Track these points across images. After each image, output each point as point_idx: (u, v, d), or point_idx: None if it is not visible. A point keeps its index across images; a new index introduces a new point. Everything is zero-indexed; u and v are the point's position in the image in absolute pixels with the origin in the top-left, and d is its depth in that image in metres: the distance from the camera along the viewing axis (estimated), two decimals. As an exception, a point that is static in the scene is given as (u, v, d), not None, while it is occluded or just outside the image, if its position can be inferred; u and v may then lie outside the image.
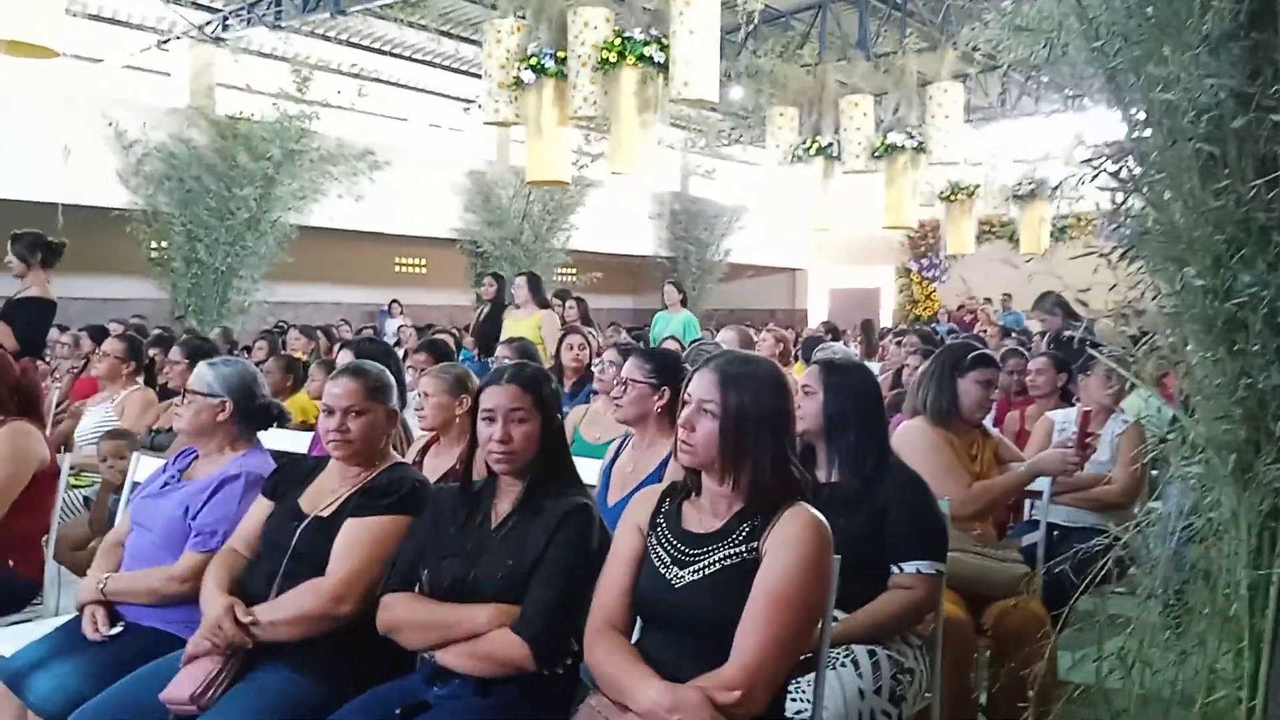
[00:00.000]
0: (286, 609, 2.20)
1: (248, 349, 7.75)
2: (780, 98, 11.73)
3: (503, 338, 6.35)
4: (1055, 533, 3.55)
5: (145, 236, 11.81)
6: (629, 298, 21.81)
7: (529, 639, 1.98)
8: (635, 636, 1.98)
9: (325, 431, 2.38)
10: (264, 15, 11.91)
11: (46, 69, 11.09)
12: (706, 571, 1.85)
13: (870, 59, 12.10)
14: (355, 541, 2.24)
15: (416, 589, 2.15)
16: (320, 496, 2.39)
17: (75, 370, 6.10)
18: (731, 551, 1.85)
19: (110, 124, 11.19)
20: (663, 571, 1.89)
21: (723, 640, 1.76)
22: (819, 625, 1.97)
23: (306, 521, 2.33)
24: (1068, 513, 3.74)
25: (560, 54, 7.77)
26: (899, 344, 7.90)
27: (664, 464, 2.82)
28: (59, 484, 3.19)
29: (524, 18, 8.13)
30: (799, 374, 5.96)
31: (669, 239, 19.09)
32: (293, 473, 2.51)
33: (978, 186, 14.01)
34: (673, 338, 7.32)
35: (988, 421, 3.61)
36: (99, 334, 6.14)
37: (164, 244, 11.93)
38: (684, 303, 8.97)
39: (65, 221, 9.31)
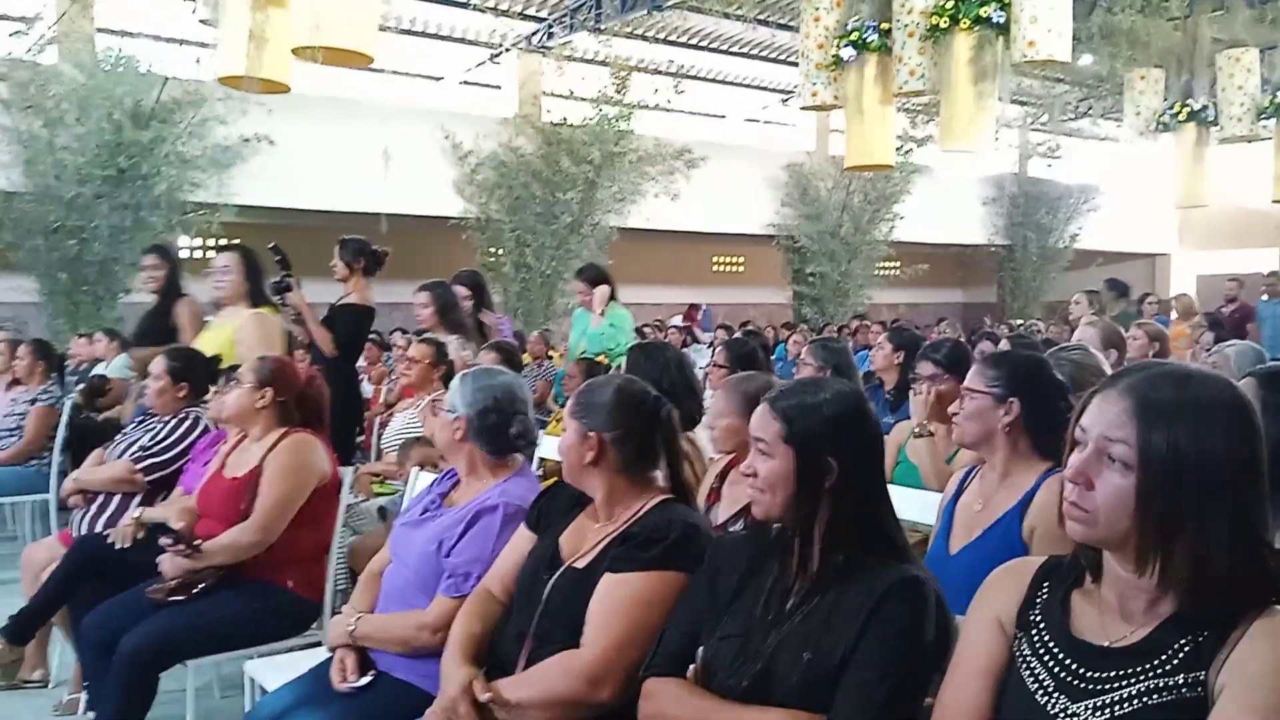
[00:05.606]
0: (534, 688, 1.77)
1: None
2: (1142, 59, 10.26)
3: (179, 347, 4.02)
4: None
5: (479, 243, 12.38)
6: (958, 291, 20.44)
7: (838, 770, 1.42)
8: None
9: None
10: (585, 20, 12.08)
11: (388, 85, 11.86)
12: (1118, 712, 1.17)
13: (1254, 6, 10.33)
14: (614, 606, 1.75)
15: (691, 672, 1.65)
16: (579, 537, 1.94)
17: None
18: (1161, 683, 1.16)
19: (447, 137, 11.79)
20: (1042, 700, 1.23)
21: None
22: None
23: (560, 573, 1.89)
24: None
25: (884, 26, 7.08)
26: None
27: (1025, 501, 2.13)
28: (340, 498, 3.01)
29: (845, -8, 7.50)
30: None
31: (1004, 225, 17.60)
32: (557, 501, 2.07)
33: (1393, 154, 11.58)
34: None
35: None
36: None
37: (497, 250, 12.45)
38: (612, 296, 5.82)
39: (405, 229, 9.84)
